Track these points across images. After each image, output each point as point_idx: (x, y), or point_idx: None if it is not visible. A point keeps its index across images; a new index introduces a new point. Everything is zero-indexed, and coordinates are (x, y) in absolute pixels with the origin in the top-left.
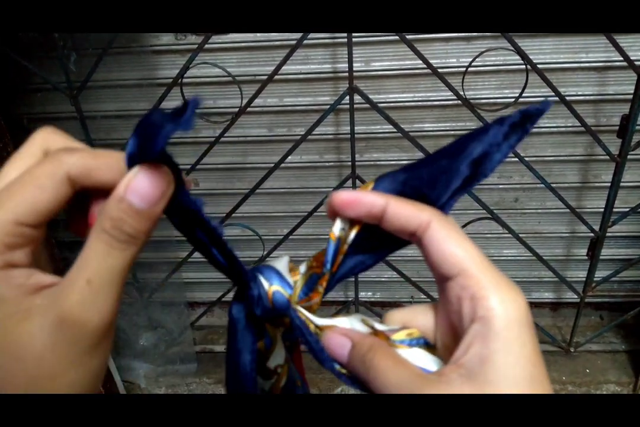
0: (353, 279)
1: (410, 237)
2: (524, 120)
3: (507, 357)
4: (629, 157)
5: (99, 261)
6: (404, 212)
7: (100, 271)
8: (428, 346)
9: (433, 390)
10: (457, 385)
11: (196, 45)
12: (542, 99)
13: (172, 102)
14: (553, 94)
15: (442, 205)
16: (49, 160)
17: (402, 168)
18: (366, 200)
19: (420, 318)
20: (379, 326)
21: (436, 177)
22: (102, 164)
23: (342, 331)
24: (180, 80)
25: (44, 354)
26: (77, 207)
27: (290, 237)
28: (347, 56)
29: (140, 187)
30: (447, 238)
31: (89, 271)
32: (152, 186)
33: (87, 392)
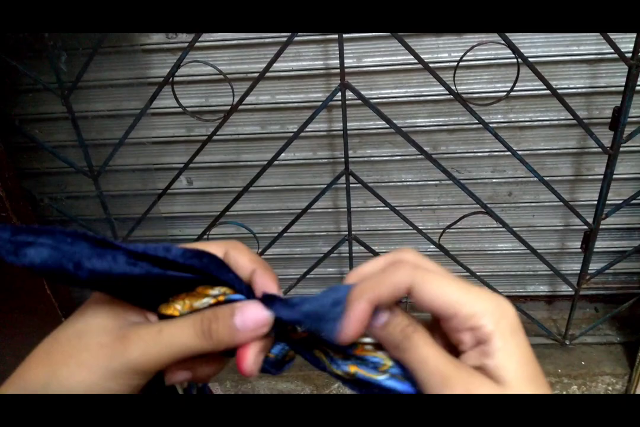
0: None
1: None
2: None
3: (513, 362)
4: (621, 149)
5: (175, 332)
6: (387, 290)
7: (171, 337)
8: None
9: (465, 375)
10: (482, 382)
11: (187, 44)
12: (535, 91)
13: (164, 101)
14: (545, 87)
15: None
16: None
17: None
18: (360, 316)
19: (435, 288)
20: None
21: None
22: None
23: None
24: (171, 78)
25: (92, 337)
26: None
27: (285, 234)
28: (338, 52)
29: (249, 318)
30: (431, 290)
31: (165, 329)
32: (255, 325)
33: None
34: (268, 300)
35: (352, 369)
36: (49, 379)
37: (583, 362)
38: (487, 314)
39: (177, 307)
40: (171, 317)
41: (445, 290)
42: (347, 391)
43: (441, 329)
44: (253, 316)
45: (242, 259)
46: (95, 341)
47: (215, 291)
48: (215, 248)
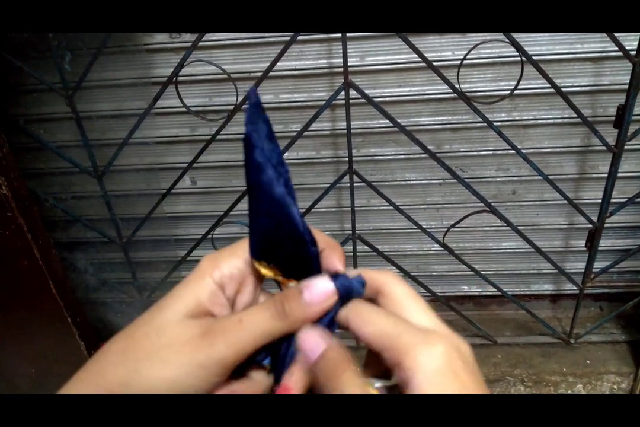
0: None
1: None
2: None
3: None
4: (625, 147)
5: (255, 318)
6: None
7: (252, 324)
8: None
9: None
10: None
11: (190, 43)
12: (539, 90)
13: (168, 101)
14: (549, 85)
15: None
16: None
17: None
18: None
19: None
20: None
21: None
22: None
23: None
24: (175, 78)
25: (174, 334)
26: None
27: None
28: (341, 51)
29: (316, 293)
30: (361, 324)
31: (244, 317)
32: (323, 297)
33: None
34: (333, 277)
35: None
36: (130, 377)
37: (588, 361)
38: (411, 352)
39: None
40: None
41: (374, 325)
42: None
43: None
44: (319, 290)
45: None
46: (178, 338)
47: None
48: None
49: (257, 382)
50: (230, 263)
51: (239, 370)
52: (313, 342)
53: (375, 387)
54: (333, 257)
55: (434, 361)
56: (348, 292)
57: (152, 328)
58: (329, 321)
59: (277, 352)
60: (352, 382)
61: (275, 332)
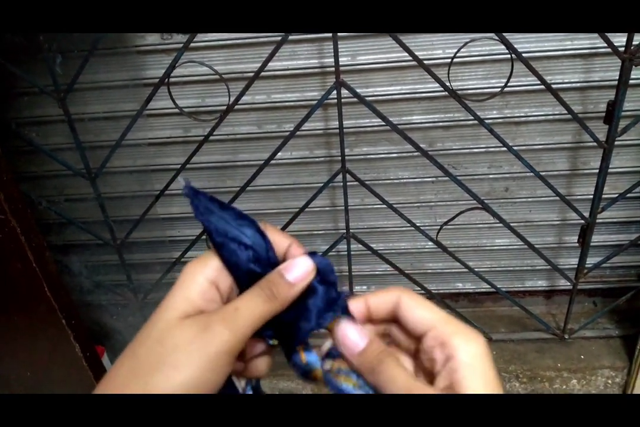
0: (347, 273)
1: (393, 318)
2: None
3: (476, 380)
4: (616, 143)
5: (249, 304)
6: (380, 298)
7: (248, 309)
8: None
9: (429, 390)
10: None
11: (182, 44)
12: (529, 87)
13: (160, 102)
14: (539, 82)
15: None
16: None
17: None
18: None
19: (418, 313)
20: None
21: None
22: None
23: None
24: (167, 79)
25: (176, 339)
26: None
27: None
28: (333, 51)
29: (297, 272)
30: (414, 306)
31: (239, 305)
32: (304, 275)
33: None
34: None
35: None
36: (144, 390)
37: (582, 356)
38: (458, 334)
39: None
40: None
41: (426, 309)
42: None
43: (417, 356)
44: (299, 268)
45: (277, 236)
46: (181, 340)
47: None
48: None
49: (259, 364)
50: (217, 260)
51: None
52: (354, 336)
53: None
54: (296, 246)
55: (478, 346)
56: (323, 266)
57: (153, 340)
58: (328, 300)
59: (281, 327)
60: (395, 363)
61: (269, 314)
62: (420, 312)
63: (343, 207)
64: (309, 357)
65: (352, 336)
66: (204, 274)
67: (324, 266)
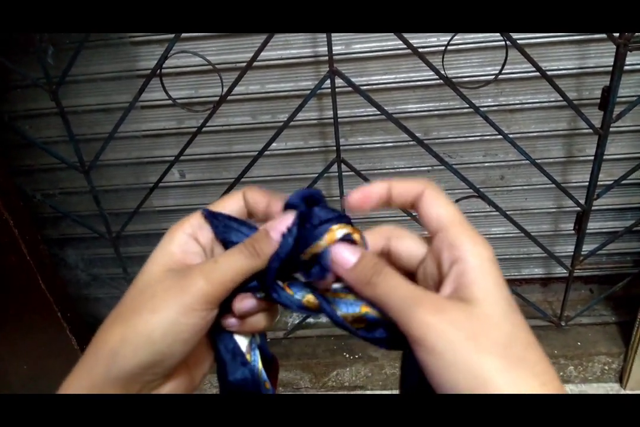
0: None
1: (412, 208)
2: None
3: (486, 282)
4: (611, 129)
5: (229, 258)
6: (405, 187)
7: (227, 263)
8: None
9: (434, 296)
10: (451, 301)
11: (174, 35)
12: (524, 74)
13: (153, 94)
14: (534, 69)
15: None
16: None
17: None
18: (374, 190)
19: (409, 243)
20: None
21: None
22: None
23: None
24: (159, 70)
25: (155, 287)
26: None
27: None
28: (326, 39)
29: (279, 227)
30: (434, 203)
31: (220, 259)
32: (283, 226)
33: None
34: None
35: (364, 309)
36: (124, 334)
37: (579, 343)
38: (468, 237)
39: None
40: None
41: (445, 208)
42: (346, 384)
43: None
44: (281, 225)
45: (258, 197)
46: (160, 288)
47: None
48: (235, 200)
49: (257, 319)
50: (198, 215)
51: (228, 305)
52: (346, 251)
53: None
54: (275, 201)
55: (487, 250)
56: (309, 195)
57: (136, 290)
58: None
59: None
60: (393, 274)
61: (251, 269)
62: (438, 209)
63: (339, 198)
64: (294, 288)
65: (344, 252)
66: (182, 229)
67: (310, 194)
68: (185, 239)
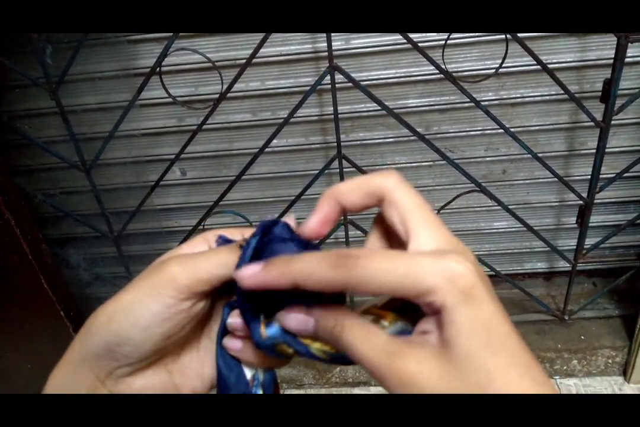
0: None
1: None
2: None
3: (461, 338)
4: (613, 122)
5: (211, 251)
6: (357, 193)
7: (207, 253)
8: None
9: (410, 352)
10: (428, 351)
11: (173, 32)
12: (525, 67)
13: (153, 92)
14: (535, 62)
15: None
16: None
17: None
18: (326, 214)
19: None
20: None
21: None
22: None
23: (299, 309)
24: (158, 68)
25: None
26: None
27: None
28: (325, 35)
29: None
30: (373, 277)
31: (202, 252)
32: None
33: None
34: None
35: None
36: (97, 313)
37: (582, 337)
38: (434, 289)
39: None
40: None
41: (387, 274)
42: (349, 380)
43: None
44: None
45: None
46: (142, 275)
47: None
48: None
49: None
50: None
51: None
52: (299, 319)
53: (385, 326)
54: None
55: (458, 291)
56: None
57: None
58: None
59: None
60: (354, 337)
61: (230, 264)
62: (384, 283)
63: None
64: (269, 331)
65: (297, 318)
66: (203, 236)
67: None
68: (201, 243)
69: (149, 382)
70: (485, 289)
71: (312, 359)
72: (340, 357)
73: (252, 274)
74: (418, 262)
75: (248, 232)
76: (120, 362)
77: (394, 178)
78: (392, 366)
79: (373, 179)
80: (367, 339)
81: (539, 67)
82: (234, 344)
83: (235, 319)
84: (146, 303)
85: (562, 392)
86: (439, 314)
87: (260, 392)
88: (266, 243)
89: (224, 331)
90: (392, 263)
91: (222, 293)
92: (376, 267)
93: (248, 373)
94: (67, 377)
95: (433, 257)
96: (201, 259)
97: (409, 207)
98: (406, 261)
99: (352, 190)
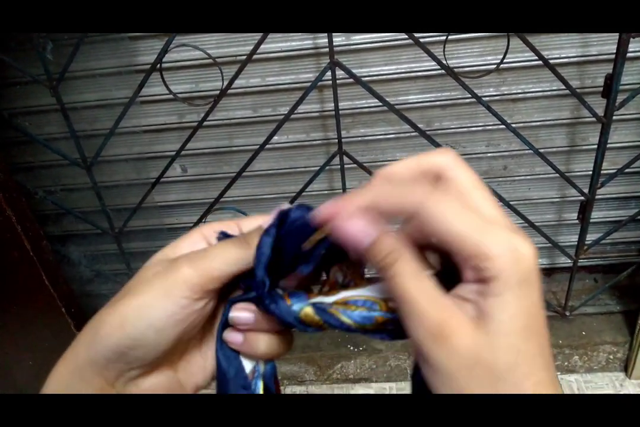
0: None
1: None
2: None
3: (503, 316)
4: (615, 117)
5: (218, 247)
6: (389, 202)
7: (215, 251)
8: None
9: (454, 308)
10: (467, 315)
11: None
12: (526, 62)
13: (154, 89)
14: (536, 57)
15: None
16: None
17: None
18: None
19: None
20: None
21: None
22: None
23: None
24: (159, 65)
25: (147, 273)
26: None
27: None
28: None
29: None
30: (439, 219)
31: (209, 248)
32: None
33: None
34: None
35: (379, 319)
36: (105, 316)
37: (584, 333)
38: (495, 258)
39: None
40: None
41: (455, 222)
42: (350, 377)
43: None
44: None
45: (219, 227)
46: (150, 273)
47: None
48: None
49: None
50: (218, 225)
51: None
52: (361, 227)
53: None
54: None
55: (518, 271)
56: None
57: (134, 277)
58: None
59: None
60: (407, 272)
61: (239, 259)
62: (447, 229)
63: (341, 190)
64: (294, 298)
65: (359, 226)
66: (199, 230)
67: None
68: (199, 238)
69: (156, 382)
70: (539, 277)
71: (335, 325)
72: (361, 327)
73: (331, 205)
74: (493, 228)
75: (244, 224)
76: (131, 365)
77: (452, 156)
78: (435, 314)
79: (429, 157)
80: (417, 278)
81: (540, 62)
82: (234, 338)
83: (239, 313)
84: (161, 305)
85: (563, 389)
86: (486, 283)
87: (261, 383)
88: (286, 230)
89: (224, 325)
90: (470, 216)
91: (222, 289)
92: (453, 211)
93: (248, 366)
94: (72, 381)
95: (506, 231)
96: (211, 257)
97: (469, 186)
98: (483, 222)
99: (407, 168)
